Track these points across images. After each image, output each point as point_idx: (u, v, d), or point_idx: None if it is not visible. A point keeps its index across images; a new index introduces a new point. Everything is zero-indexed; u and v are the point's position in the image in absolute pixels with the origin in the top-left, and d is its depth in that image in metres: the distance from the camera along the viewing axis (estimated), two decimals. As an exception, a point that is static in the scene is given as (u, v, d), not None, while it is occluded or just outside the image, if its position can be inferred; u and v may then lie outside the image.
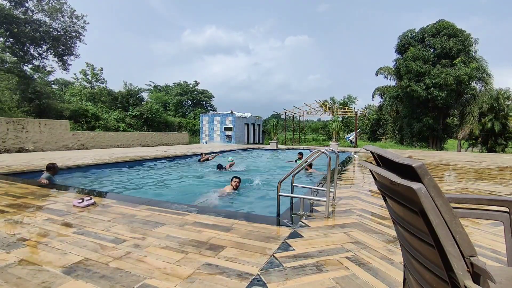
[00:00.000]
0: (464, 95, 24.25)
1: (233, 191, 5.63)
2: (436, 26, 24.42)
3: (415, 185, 0.68)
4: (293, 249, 2.40)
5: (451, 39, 23.44)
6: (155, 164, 10.05)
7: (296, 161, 14.26)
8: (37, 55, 20.90)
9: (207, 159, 11.16)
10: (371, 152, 1.06)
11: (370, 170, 1.04)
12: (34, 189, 4.76)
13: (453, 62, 22.83)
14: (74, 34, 21.40)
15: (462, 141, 27.07)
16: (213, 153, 12.74)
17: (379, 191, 1.09)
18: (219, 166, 8.80)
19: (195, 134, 30.58)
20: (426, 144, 25.56)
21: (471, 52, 23.90)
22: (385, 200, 1.10)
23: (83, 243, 2.49)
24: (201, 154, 11.37)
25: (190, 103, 42.48)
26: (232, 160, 9.44)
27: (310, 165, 8.40)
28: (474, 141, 26.69)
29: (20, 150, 12.82)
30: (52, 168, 5.86)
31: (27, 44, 19.89)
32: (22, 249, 2.34)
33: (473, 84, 24.05)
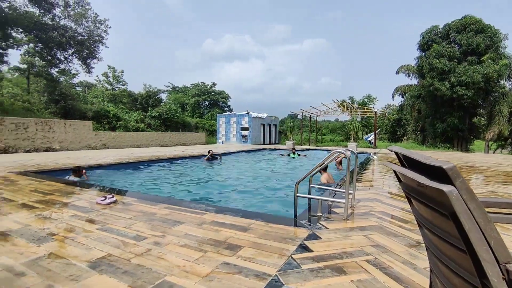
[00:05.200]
0: (493, 94, 23.00)
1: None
2: (462, 21, 23.31)
3: (446, 188, 0.65)
4: (311, 251, 2.37)
5: (478, 35, 22.29)
6: (173, 164, 10.27)
7: (288, 154, 14.08)
8: (63, 59, 21.99)
9: (216, 158, 11.47)
10: (396, 153, 1.03)
11: (395, 171, 1.01)
12: (60, 186, 5.00)
13: (481, 59, 21.71)
14: (97, 38, 22.34)
15: (490, 143, 25.66)
16: (218, 154, 12.47)
17: (403, 193, 1.05)
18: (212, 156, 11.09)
19: (212, 134, 30.99)
20: (450, 145, 24.45)
21: (500, 48, 22.64)
22: (410, 202, 1.06)
23: (106, 239, 2.58)
24: (208, 152, 11.50)
25: (207, 103, 43.14)
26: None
27: (340, 163, 9.18)
28: (503, 143, 25.23)
29: (47, 149, 13.51)
30: (77, 171, 6.31)
31: (54, 49, 20.97)
32: (51, 243, 2.46)
33: (502, 82, 22.78)
